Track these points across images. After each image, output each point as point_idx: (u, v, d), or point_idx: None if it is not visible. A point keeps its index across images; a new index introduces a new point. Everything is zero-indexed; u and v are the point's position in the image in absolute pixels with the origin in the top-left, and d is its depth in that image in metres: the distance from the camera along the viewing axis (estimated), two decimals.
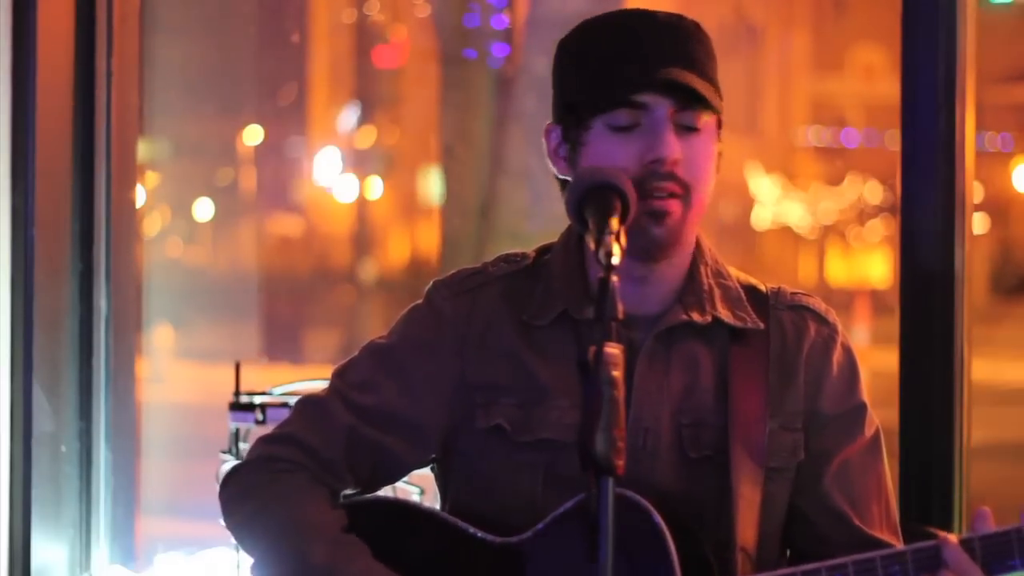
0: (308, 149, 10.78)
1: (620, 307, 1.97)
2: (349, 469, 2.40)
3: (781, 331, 2.40)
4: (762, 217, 12.71)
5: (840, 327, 2.44)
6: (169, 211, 7.38)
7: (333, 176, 11.00)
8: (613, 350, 1.94)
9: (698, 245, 2.42)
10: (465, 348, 2.39)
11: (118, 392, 3.95)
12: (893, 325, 3.29)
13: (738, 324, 2.37)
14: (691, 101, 2.28)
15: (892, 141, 6.78)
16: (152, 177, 6.06)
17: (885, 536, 2.38)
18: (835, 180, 12.78)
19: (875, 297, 10.81)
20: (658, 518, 2.21)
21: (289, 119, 10.13)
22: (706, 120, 2.31)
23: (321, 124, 11.39)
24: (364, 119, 11.45)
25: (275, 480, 2.38)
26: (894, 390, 3.28)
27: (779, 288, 2.44)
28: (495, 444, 2.36)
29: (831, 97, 13.26)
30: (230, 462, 3.52)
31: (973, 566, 2.19)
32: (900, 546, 2.32)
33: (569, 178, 2.37)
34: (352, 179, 11.20)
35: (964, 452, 3.23)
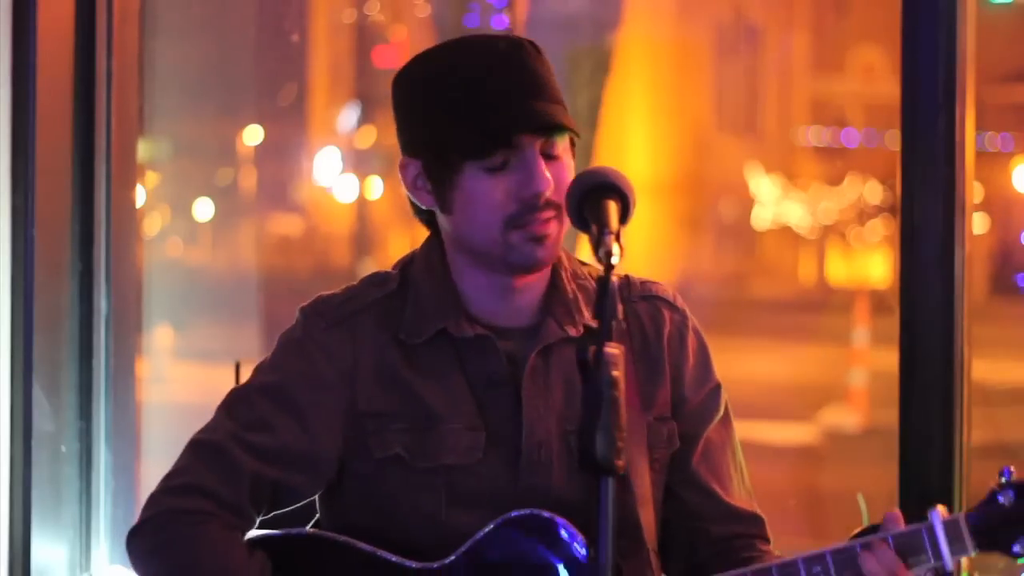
0: (308, 149, 10.79)
1: (620, 308, 2.00)
2: (253, 509, 2.40)
3: (640, 324, 2.46)
4: (762, 217, 12.70)
5: (688, 312, 2.50)
6: (169, 211, 7.37)
7: (333, 176, 11.00)
8: (613, 350, 1.96)
9: None
10: (352, 377, 2.40)
11: (118, 392, 3.95)
12: (893, 325, 3.29)
13: None
14: (556, 132, 2.34)
15: (892, 141, 6.77)
16: (152, 177, 6.05)
17: (744, 503, 2.49)
18: (835, 180, 12.77)
19: (875, 297, 10.80)
20: (571, 529, 2.28)
21: (289, 119, 10.13)
22: (564, 144, 2.37)
23: (321, 124, 11.39)
24: (364, 119, 11.45)
25: (193, 534, 2.36)
26: (894, 390, 3.28)
27: (627, 278, 2.50)
28: (394, 471, 2.38)
29: (831, 97, 13.25)
30: None
31: (895, 558, 2.26)
32: (757, 509, 2.50)
33: (435, 210, 2.40)
34: (352, 179, 11.21)
35: (964, 452, 3.23)
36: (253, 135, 9.17)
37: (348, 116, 11.48)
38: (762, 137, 13.36)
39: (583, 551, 2.26)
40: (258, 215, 10.24)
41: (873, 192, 12.55)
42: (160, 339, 5.81)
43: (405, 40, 10.55)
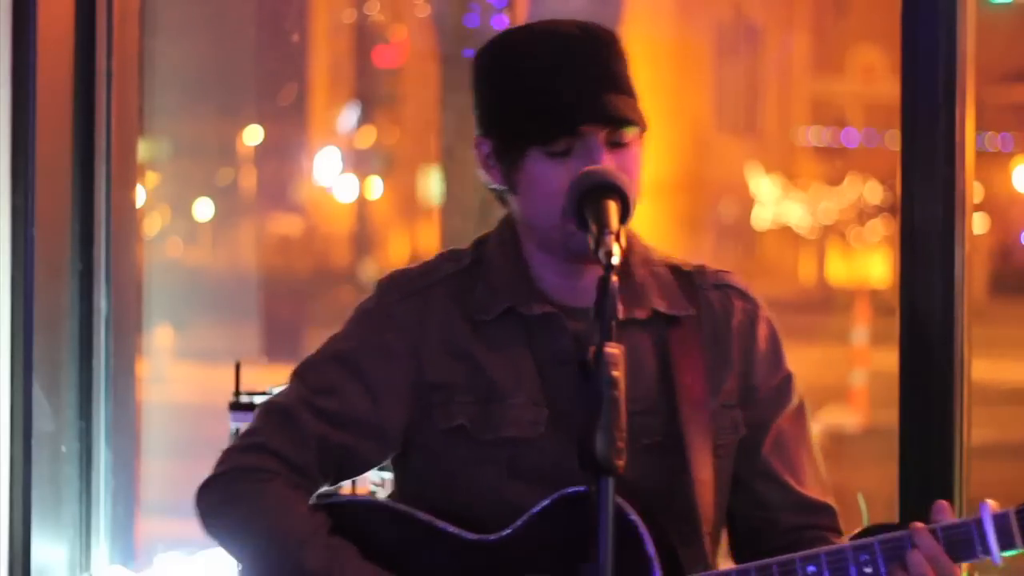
0: (308, 149, 10.79)
1: (620, 308, 2.01)
2: (320, 472, 2.44)
3: (711, 312, 2.48)
4: (762, 217, 12.72)
5: (761, 301, 2.53)
6: (169, 211, 7.38)
7: (333, 176, 11.01)
8: (613, 350, 1.97)
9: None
10: (420, 349, 2.44)
11: (118, 392, 3.95)
12: (893, 325, 3.29)
13: (674, 313, 2.45)
14: (618, 124, 2.36)
15: (892, 141, 6.78)
16: (152, 177, 6.06)
17: (817, 493, 2.49)
18: (835, 180, 12.79)
19: (875, 297, 10.81)
20: (635, 516, 2.28)
21: (289, 119, 10.14)
22: (634, 132, 2.38)
23: (321, 124, 11.40)
24: (364, 119, 11.47)
25: (257, 489, 2.41)
26: (894, 390, 3.28)
27: (702, 267, 2.52)
28: (457, 442, 2.41)
29: (831, 97, 13.27)
30: None
31: (941, 550, 2.27)
32: (832, 500, 2.49)
33: (503, 188, 2.44)
34: (352, 179, 11.22)
35: (964, 452, 3.23)
36: (253, 135, 9.18)
37: (348, 116, 11.49)
38: (762, 137, 13.37)
39: (642, 531, 2.28)
40: (258, 215, 10.25)
41: (873, 192, 12.57)
42: (160, 339, 5.82)
43: (405, 40, 10.56)
